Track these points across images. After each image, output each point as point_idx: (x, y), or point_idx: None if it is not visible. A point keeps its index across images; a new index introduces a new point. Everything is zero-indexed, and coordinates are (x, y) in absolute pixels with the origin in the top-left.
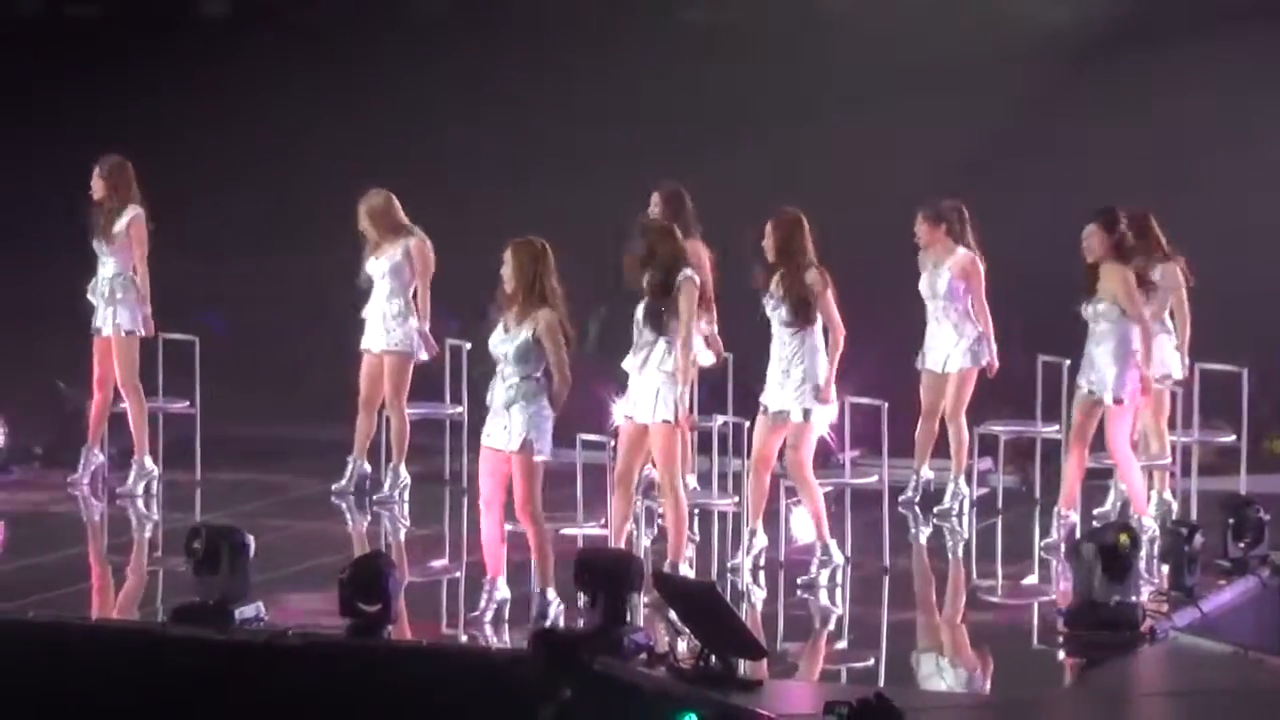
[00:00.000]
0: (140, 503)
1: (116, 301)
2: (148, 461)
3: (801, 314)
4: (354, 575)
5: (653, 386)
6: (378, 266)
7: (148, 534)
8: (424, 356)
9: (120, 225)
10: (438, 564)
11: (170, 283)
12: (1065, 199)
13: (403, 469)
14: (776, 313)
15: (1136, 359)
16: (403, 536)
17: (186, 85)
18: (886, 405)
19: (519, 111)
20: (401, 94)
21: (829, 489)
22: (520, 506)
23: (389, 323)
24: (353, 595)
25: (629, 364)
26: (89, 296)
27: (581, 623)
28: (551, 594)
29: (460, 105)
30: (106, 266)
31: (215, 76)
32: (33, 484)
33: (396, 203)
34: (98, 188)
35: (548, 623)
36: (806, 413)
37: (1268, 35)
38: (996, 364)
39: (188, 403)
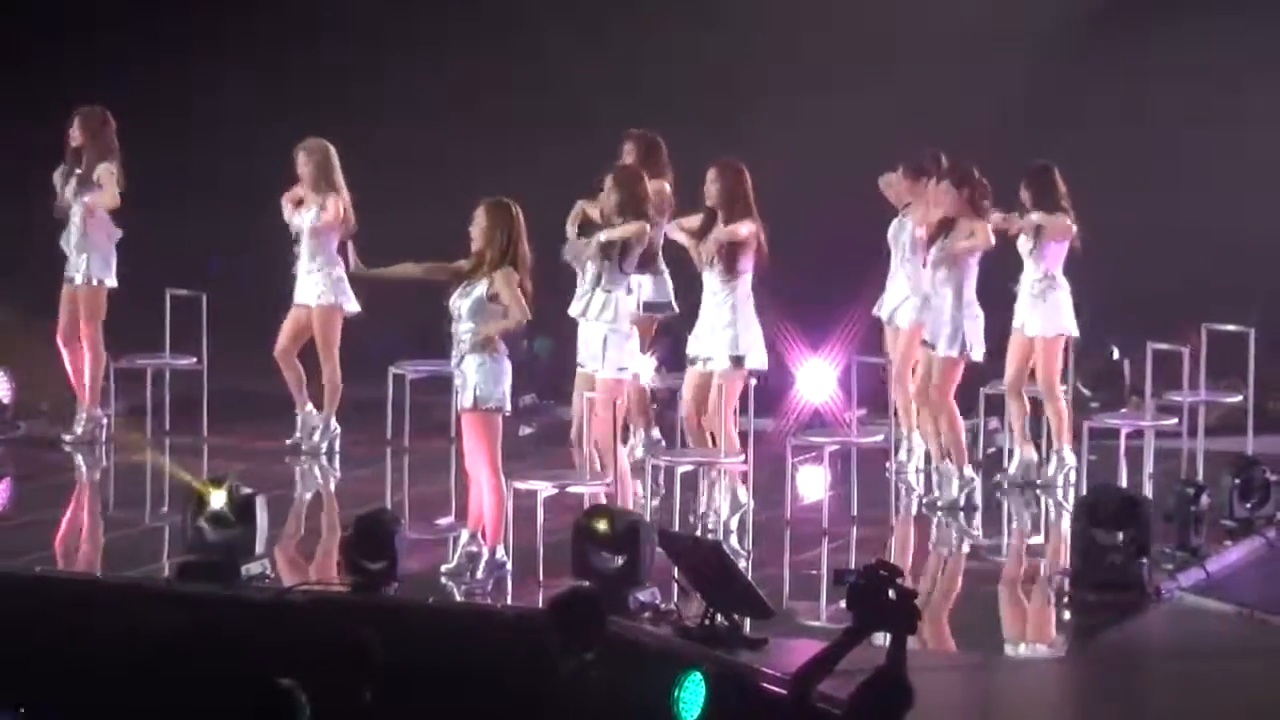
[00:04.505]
0: (89, 450)
1: (88, 250)
2: (96, 410)
3: (730, 264)
4: (358, 532)
5: (599, 336)
6: (301, 220)
7: (153, 490)
8: (354, 308)
9: (93, 175)
10: (443, 522)
11: (172, 237)
12: (1076, 162)
13: (333, 421)
14: (712, 265)
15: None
16: (333, 486)
17: (185, 45)
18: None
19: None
20: (386, 49)
21: (835, 448)
22: (470, 461)
23: (314, 277)
24: (357, 552)
25: (574, 310)
26: (60, 244)
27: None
28: (501, 554)
29: (438, 62)
30: (77, 215)
31: (212, 35)
32: (39, 440)
33: (334, 158)
34: (75, 136)
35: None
36: (736, 359)
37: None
38: None
39: (195, 359)
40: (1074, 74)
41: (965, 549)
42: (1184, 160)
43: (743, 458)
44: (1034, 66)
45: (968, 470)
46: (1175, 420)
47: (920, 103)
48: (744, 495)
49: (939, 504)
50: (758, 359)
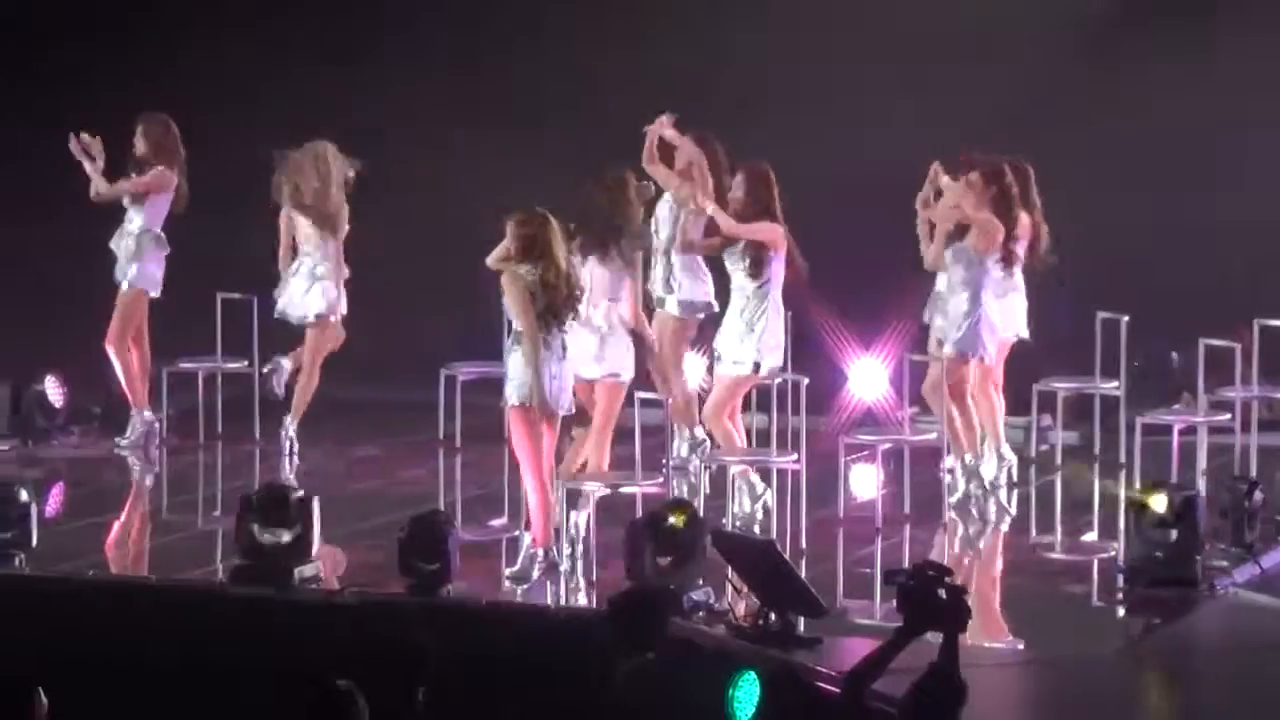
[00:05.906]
0: (142, 454)
1: (139, 257)
2: (147, 413)
3: (756, 267)
4: (413, 534)
5: (586, 341)
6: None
7: (206, 494)
8: (334, 320)
9: (145, 179)
10: (496, 523)
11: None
12: (1106, 162)
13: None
14: (738, 266)
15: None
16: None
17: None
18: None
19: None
20: (411, 56)
21: (887, 446)
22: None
23: (303, 285)
24: (411, 554)
25: None
26: (111, 245)
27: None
28: (554, 553)
29: (451, 61)
30: (133, 222)
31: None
32: (92, 444)
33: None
34: (139, 144)
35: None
36: (756, 365)
37: None
38: None
39: (246, 362)
40: (1081, 73)
41: (1017, 546)
42: (1228, 158)
43: (795, 456)
44: (1054, 64)
45: (974, 463)
46: (1228, 416)
47: (944, 104)
48: (759, 484)
49: (950, 502)
50: (773, 362)
